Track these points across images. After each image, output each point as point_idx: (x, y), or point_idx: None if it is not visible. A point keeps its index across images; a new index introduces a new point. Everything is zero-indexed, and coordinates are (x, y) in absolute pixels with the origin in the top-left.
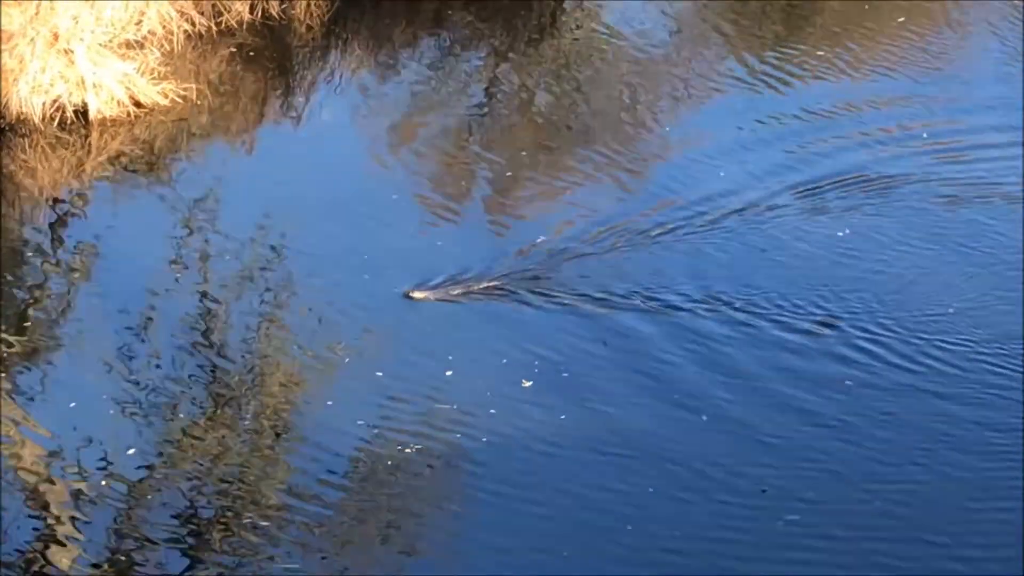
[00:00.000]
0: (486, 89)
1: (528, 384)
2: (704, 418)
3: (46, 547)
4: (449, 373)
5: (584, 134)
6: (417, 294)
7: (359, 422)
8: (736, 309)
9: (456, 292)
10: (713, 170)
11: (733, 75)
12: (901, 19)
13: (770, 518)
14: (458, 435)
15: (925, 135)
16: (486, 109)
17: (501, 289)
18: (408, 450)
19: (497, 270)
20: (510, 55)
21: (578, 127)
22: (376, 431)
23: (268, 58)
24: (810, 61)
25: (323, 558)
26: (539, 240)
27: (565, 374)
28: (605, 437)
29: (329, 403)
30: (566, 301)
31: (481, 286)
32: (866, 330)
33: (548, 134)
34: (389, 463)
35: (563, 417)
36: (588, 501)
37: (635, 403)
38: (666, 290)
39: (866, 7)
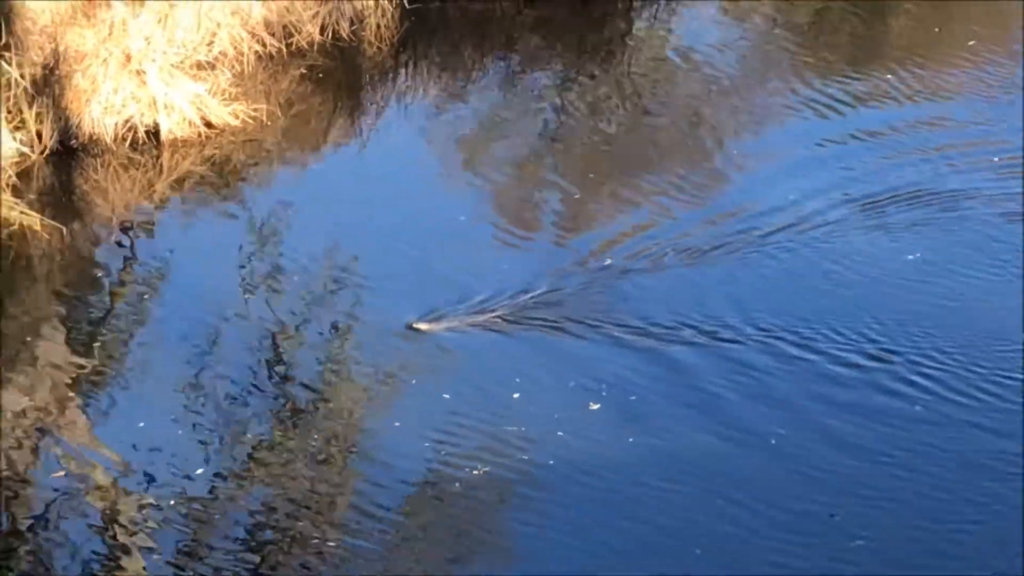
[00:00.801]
0: (554, 111)
1: (596, 407)
2: (767, 446)
3: (114, 567)
4: (516, 396)
5: (651, 156)
6: (422, 326)
7: (426, 443)
8: (793, 339)
9: (469, 321)
10: (778, 191)
11: (801, 96)
12: (971, 43)
13: (831, 549)
14: (525, 457)
15: (996, 158)
16: (554, 131)
17: (534, 319)
18: (475, 472)
19: (530, 296)
20: (579, 77)
21: (645, 149)
22: (443, 452)
23: (338, 79)
24: (879, 83)
25: None
26: (600, 262)
27: (632, 397)
28: (670, 463)
29: (396, 424)
30: (614, 333)
31: (495, 315)
32: (923, 362)
33: (615, 156)
34: (456, 485)
35: (631, 440)
36: (655, 526)
37: (697, 432)
38: (719, 318)
39: (936, 30)
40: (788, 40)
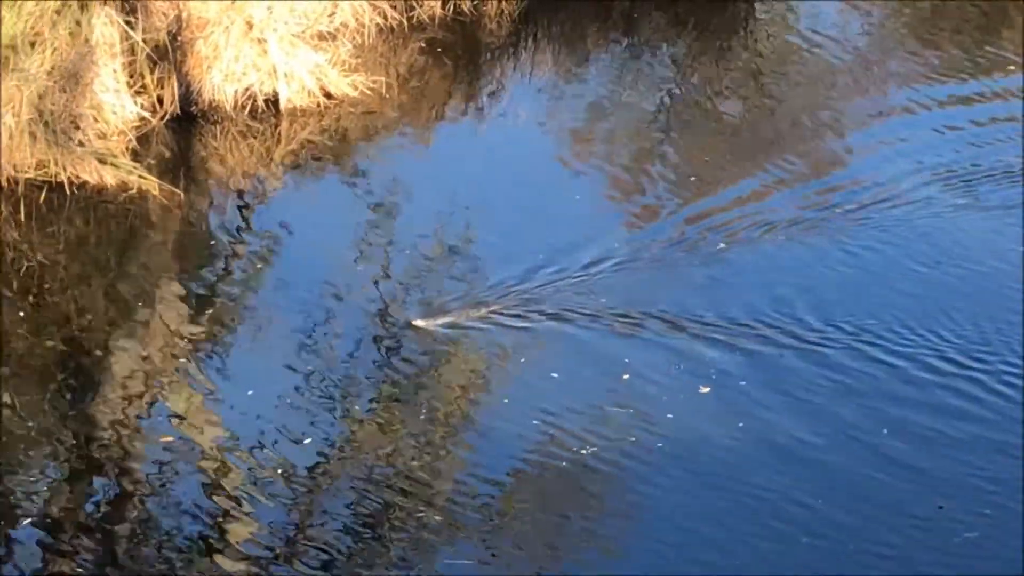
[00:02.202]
0: (674, 92)
1: (706, 390)
2: (873, 444)
3: (219, 533)
4: (626, 377)
5: (768, 141)
6: (420, 323)
7: (533, 422)
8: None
9: (475, 315)
10: (890, 176)
11: (920, 83)
12: None
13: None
14: (632, 439)
15: None
16: (673, 113)
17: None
18: (582, 452)
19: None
20: (700, 59)
21: (763, 133)
22: (549, 432)
23: (457, 54)
24: (1008, 66)
25: (493, 555)
26: (712, 246)
27: (743, 383)
28: (778, 451)
29: (505, 401)
30: (715, 322)
31: (492, 309)
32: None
33: (734, 139)
34: (562, 464)
35: (740, 425)
36: (761, 514)
37: (803, 420)
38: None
39: None
40: (909, 29)
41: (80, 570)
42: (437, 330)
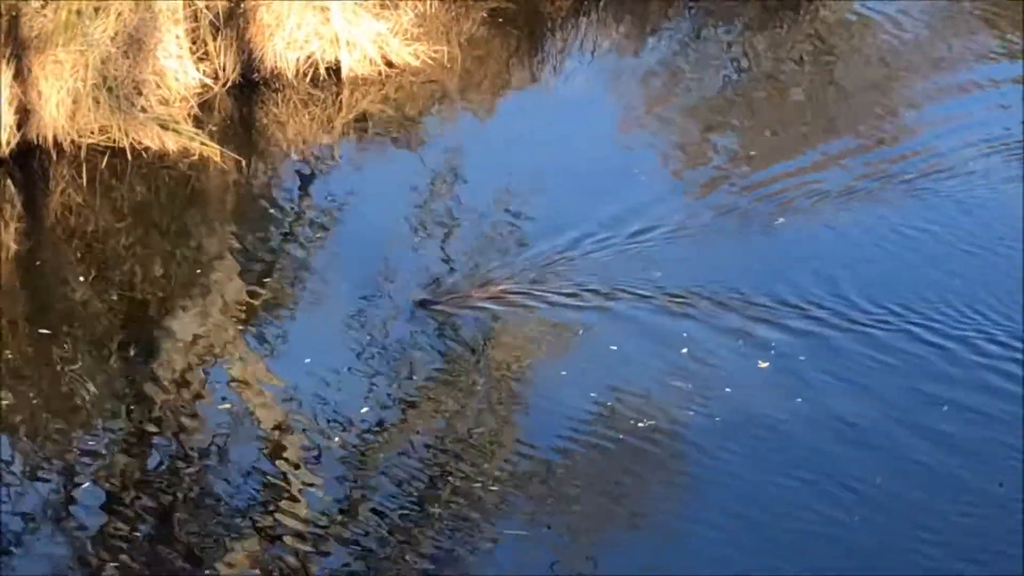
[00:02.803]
0: (737, 66)
1: (764, 365)
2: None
3: (279, 499)
4: (684, 351)
5: (830, 115)
6: (420, 297)
7: (591, 394)
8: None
9: (483, 295)
10: (950, 150)
11: (990, 56)
12: None
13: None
14: (691, 412)
15: None
16: (735, 86)
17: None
18: (639, 425)
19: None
20: (763, 32)
21: (825, 108)
22: (607, 404)
23: (520, 24)
24: None
25: (548, 527)
26: (773, 221)
27: (802, 358)
28: (837, 427)
29: (563, 373)
30: (781, 295)
31: (499, 288)
32: None
33: (794, 114)
34: (620, 437)
35: (798, 401)
36: (820, 485)
37: (866, 396)
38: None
39: None
40: (971, 10)
41: (138, 530)
42: (445, 309)
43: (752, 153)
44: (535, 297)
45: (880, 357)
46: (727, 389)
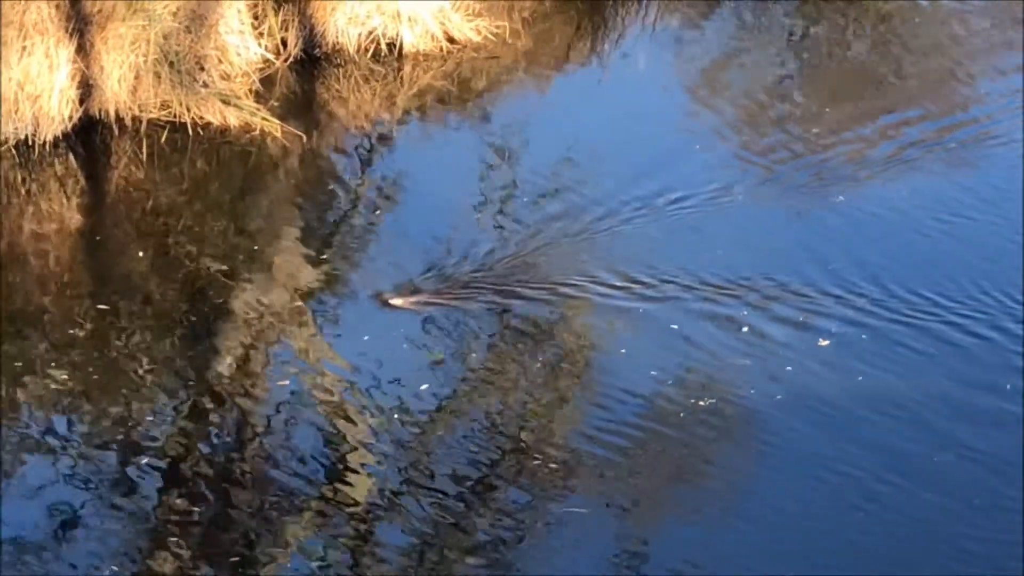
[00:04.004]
0: (798, 43)
1: (825, 343)
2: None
3: (340, 476)
4: (745, 329)
5: (894, 93)
6: (396, 301)
7: (652, 372)
8: None
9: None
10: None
11: None
12: None
13: None
14: (752, 391)
15: None
16: (797, 63)
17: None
18: (701, 403)
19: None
20: (826, 9)
21: (888, 86)
22: (668, 382)
23: (582, 0)
24: None
25: (607, 505)
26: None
27: (864, 336)
28: (898, 406)
29: (623, 351)
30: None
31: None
32: None
33: (857, 91)
34: (681, 415)
35: (860, 379)
36: (882, 466)
37: (930, 375)
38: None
39: None
40: None
41: (196, 508)
42: (413, 308)
43: (815, 130)
44: (591, 277)
45: (949, 338)
46: (788, 368)
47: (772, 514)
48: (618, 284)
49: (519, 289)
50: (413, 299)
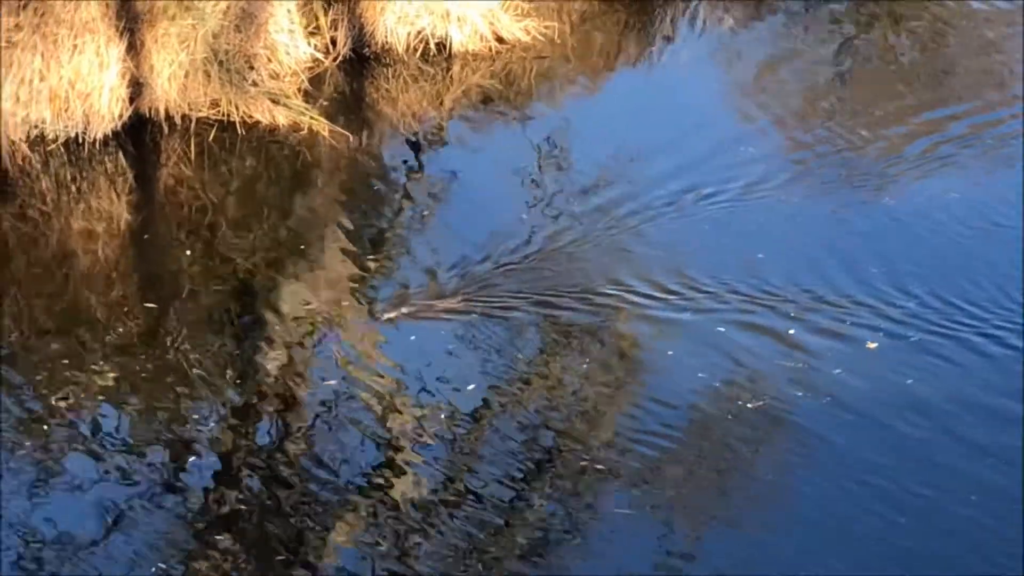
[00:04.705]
0: (848, 44)
1: (873, 346)
2: None
3: (385, 476)
4: (792, 331)
5: (942, 96)
6: (390, 314)
7: (699, 374)
8: None
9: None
10: None
11: None
12: None
13: None
14: (799, 392)
15: None
16: (846, 65)
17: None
18: (748, 405)
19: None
20: (876, 12)
21: (938, 88)
22: (715, 384)
23: (630, 0)
24: None
25: (653, 507)
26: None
27: (913, 338)
28: (947, 410)
29: (669, 353)
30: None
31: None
32: None
33: (907, 93)
34: (728, 417)
35: (909, 383)
36: (930, 469)
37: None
38: None
39: None
40: None
41: (244, 504)
42: (403, 320)
43: (863, 132)
44: (637, 279)
45: (1002, 340)
46: (835, 371)
47: (816, 519)
48: (664, 285)
49: (565, 290)
50: (446, 304)
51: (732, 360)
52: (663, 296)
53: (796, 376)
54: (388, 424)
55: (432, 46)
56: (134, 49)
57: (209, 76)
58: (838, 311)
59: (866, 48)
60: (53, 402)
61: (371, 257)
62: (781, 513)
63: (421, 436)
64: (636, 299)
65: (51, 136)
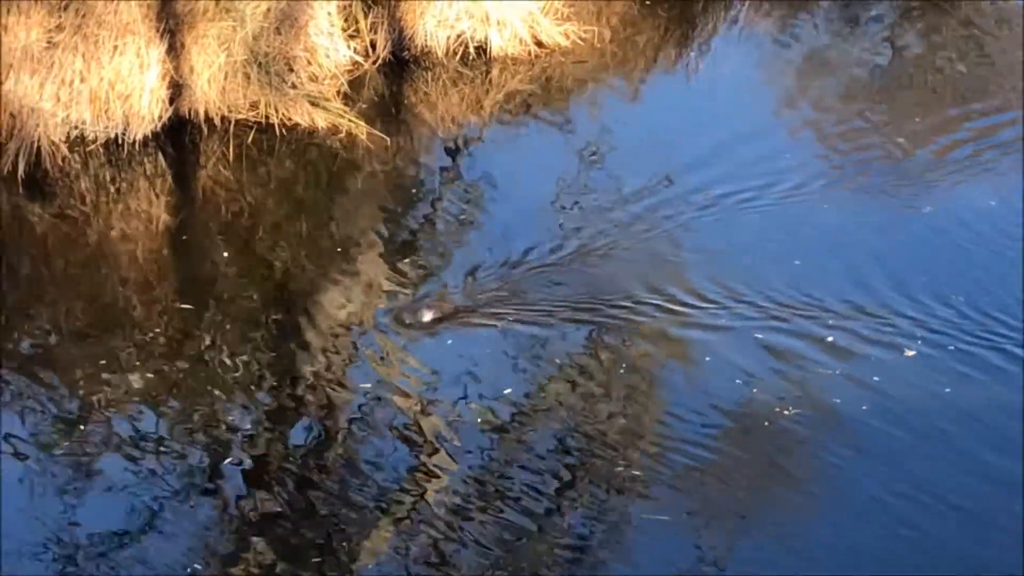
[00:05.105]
0: (890, 49)
1: (912, 354)
2: None
3: (421, 479)
4: (831, 339)
5: (986, 102)
6: (426, 319)
7: (736, 381)
8: None
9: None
10: None
11: None
12: None
13: None
14: (837, 400)
15: None
16: (888, 70)
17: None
18: (785, 412)
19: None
20: (919, 16)
21: (981, 96)
22: (752, 391)
23: (670, 4)
24: None
25: (689, 514)
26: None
27: (951, 347)
28: (985, 420)
29: (707, 359)
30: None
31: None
32: None
33: (947, 100)
34: (765, 424)
35: (947, 391)
36: (969, 479)
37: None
38: None
39: None
40: None
41: (279, 506)
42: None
43: (900, 140)
44: (674, 284)
45: None
46: (874, 378)
47: (855, 527)
48: (701, 291)
49: (602, 296)
50: (481, 309)
51: (770, 367)
52: (701, 302)
53: (834, 383)
54: (423, 428)
55: (471, 50)
56: (174, 50)
57: (249, 78)
58: (876, 319)
59: (908, 53)
60: (89, 402)
61: (408, 261)
62: (820, 521)
63: (456, 441)
64: (673, 305)
65: (91, 137)
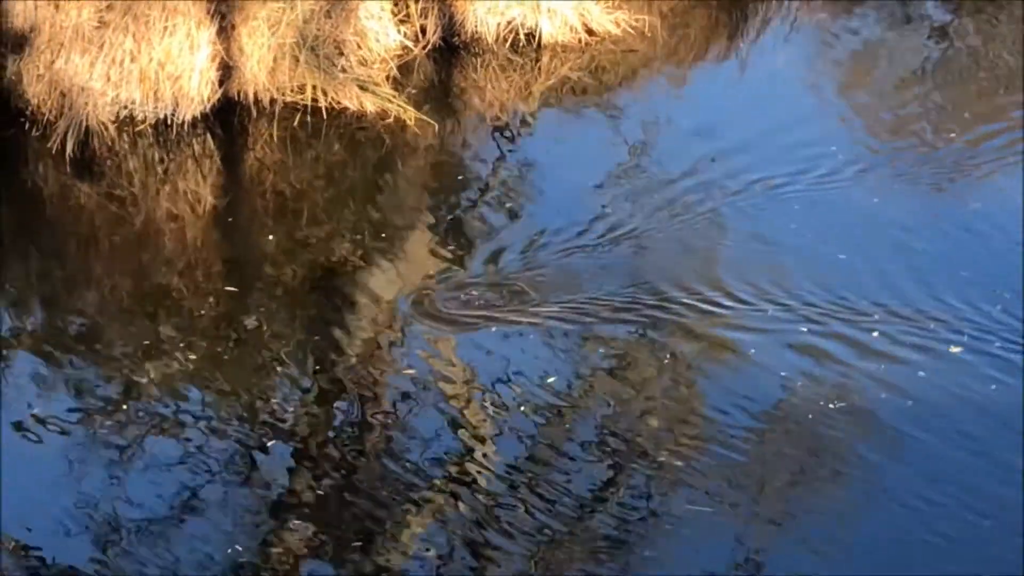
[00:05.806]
0: (944, 41)
1: (957, 350)
2: None
3: (462, 468)
4: (875, 334)
5: None
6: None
7: (781, 373)
8: None
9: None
10: None
11: None
12: None
13: None
14: (883, 395)
15: None
16: (941, 63)
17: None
18: (829, 407)
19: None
20: (972, 12)
21: None
22: (797, 384)
23: None
24: None
25: (732, 505)
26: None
27: (997, 344)
28: None
29: (752, 352)
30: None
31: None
32: None
33: (1004, 92)
34: (809, 417)
35: (993, 388)
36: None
37: None
38: None
39: None
40: None
41: (320, 490)
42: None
43: (951, 135)
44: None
45: None
46: (920, 373)
47: (901, 523)
48: (747, 284)
49: (646, 288)
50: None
51: (815, 361)
52: (745, 296)
53: (880, 378)
54: (466, 415)
55: (522, 36)
56: (224, 32)
57: (298, 61)
58: (921, 314)
59: (958, 45)
60: (134, 381)
61: (453, 246)
62: (864, 515)
63: (498, 428)
64: (718, 298)
65: (140, 117)
